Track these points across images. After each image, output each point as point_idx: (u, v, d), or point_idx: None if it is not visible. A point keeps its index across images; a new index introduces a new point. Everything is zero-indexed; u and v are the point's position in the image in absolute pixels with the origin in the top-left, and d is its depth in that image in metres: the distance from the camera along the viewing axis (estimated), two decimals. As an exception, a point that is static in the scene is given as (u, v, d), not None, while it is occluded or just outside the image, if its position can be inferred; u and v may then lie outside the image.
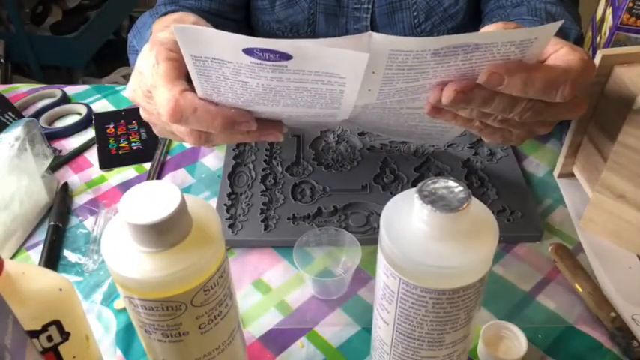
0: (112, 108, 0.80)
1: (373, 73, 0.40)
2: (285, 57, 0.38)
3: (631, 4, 0.57)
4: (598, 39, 0.65)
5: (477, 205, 0.38)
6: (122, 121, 0.76)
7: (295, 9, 0.77)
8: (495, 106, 0.43)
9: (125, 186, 0.67)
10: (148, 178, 0.66)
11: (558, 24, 0.39)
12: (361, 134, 0.70)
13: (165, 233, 0.34)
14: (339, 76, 0.40)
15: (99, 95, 0.82)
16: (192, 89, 0.45)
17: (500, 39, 0.39)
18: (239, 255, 0.58)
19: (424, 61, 0.40)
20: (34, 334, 0.36)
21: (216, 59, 0.40)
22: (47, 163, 0.65)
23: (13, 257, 0.58)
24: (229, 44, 0.38)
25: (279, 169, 0.65)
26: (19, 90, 0.84)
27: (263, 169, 0.65)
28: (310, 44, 0.38)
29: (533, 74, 0.41)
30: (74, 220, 0.63)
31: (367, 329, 0.50)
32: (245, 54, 0.38)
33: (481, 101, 0.42)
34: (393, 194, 0.60)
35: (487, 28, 0.48)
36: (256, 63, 0.39)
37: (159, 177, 0.68)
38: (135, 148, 0.72)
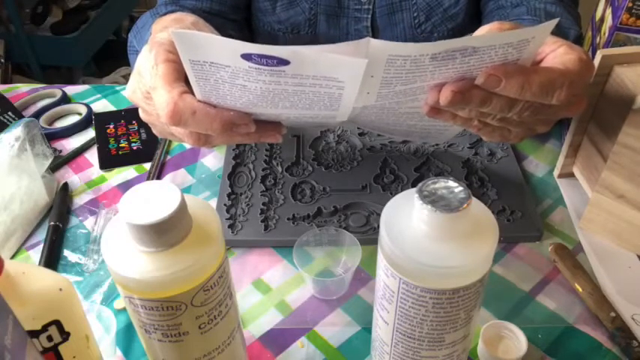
0: (112, 108, 0.80)
1: (371, 77, 0.40)
2: (284, 62, 0.38)
3: (630, 4, 0.57)
4: (598, 39, 0.65)
5: (477, 205, 0.38)
6: (122, 121, 0.76)
7: (296, 10, 0.77)
8: (493, 106, 0.43)
9: (125, 186, 0.67)
10: (147, 178, 0.66)
11: (554, 22, 0.39)
12: (361, 134, 0.70)
13: (165, 233, 0.34)
14: (338, 81, 0.40)
15: (99, 95, 0.82)
16: (192, 91, 0.45)
17: (498, 41, 0.39)
18: (239, 255, 0.58)
19: (422, 65, 0.40)
20: (34, 334, 0.36)
21: (215, 63, 0.40)
22: (47, 163, 0.65)
23: (13, 257, 0.58)
24: (227, 49, 0.38)
25: (279, 169, 0.65)
26: (19, 90, 0.84)
27: (263, 169, 0.65)
28: (308, 50, 0.37)
29: (530, 77, 0.41)
30: (74, 220, 0.63)
31: (367, 329, 0.50)
32: (243, 59, 0.38)
33: (479, 102, 0.42)
34: (393, 194, 0.60)
35: (482, 29, 0.48)
36: (254, 68, 0.39)
37: (159, 177, 0.68)
38: (135, 148, 0.72)
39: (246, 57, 0.38)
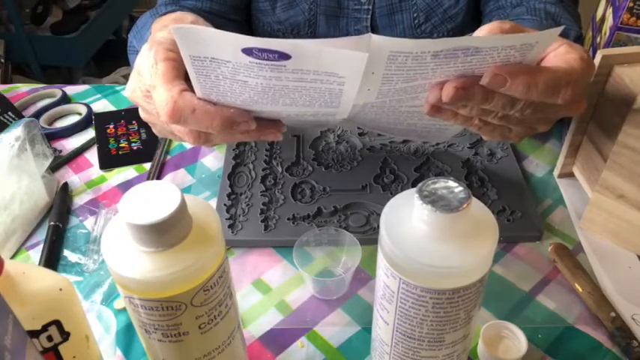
0: (112, 108, 0.80)
1: (372, 73, 0.40)
2: (284, 57, 0.38)
3: (631, 4, 0.57)
4: (598, 39, 0.65)
5: (476, 205, 0.38)
6: (122, 121, 0.76)
7: (296, 10, 0.77)
8: (496, 103, 0.43)
9: (125, 186, 0.67)
10: (148, 178, 0.66)
11: (559, 29, 0.39)
12: (361, 134, 0.70)
13: (165, 233, 0.34)
14: (338, 76, 0.40)
15: (99, 95, 0.82)
16: (191, 89, 0.45)
17: (500, 43, 0.39)
18: (239, 255, 0.58)
19: (424, 63, 0.40)
20: (34, 334, 0.36)
21: (215, 59, 0.40)
22: (47, 163, 0.65)
23: (13, 257, 0.58)
24: (228, 44, 0.38)
25: (279, 169, 0.65)
26: (19, 90, 0.84)
27: (263, 169, 0.65)
28: (309, 44, 0.38)
29: (536, 77, 0.41)
30: (74, 220, 0.63)
31: (367, 329, 0.50)
32: (244, 54, 0.38)
33: (481, 98, 0.42)
34: (393, 194, 0.60)
35: (482, 29, 0.48)
36: (255, 62, 0.39)
37: (159, 177, 0.67)
38: (135, 148, 0.72)
39: (247, 51, 0.38)
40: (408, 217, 0.37)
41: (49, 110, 0.78)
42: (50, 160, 0.65)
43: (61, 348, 0.37)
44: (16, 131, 0.62)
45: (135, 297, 0.36)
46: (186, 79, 0.45)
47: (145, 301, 0.36)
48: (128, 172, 0.69)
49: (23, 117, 0.75)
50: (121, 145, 0.72)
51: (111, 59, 2.11)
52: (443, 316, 0.38)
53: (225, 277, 0.39)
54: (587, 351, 0.49)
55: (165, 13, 0.63)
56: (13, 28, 1.89)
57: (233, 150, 0.68)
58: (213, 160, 0.69)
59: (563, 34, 0.63)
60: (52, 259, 0.57)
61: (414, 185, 0.56)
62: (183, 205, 0.35)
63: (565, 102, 0.43)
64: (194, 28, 0.39)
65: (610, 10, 0.62)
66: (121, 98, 0.81)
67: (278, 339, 0.50)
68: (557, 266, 0.55)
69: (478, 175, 0.64)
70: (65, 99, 0.81)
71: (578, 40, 0.65)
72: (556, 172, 0.65)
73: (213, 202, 0.62)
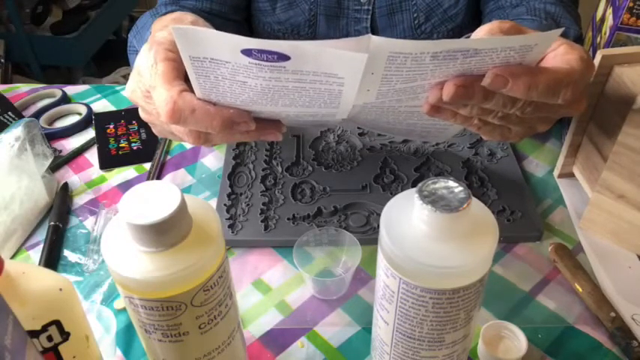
0: (112, 108, 0.80)
1: (372, 74, 0.40)
2: (284, 58, 0.38)
3: (631, 4, 0.57)
4: (598, 39, 0.65)
5: (476, 205, 0.38)
6: (122, 121, 0.76)
7: (296, 10, 0.77)
8: (496, 102, 0.43)
9: (125, 186, 0.67)
10: (147, 178, 0.66)
11: (559, 31, 0.39)
12: (361, 134, 0.70)
13: (165, 233, 0.34)
14: (338, 77, 0.40)
15: (99, 95, 0.82)
16: (191, 89, 0.45)
17: (499, 44, 0.39)
18: (239, 255, 0.58)
19: (423, 64, 0.40)
20: (34, 334, 0.36)
21: (215, 60, 0.40)
22: (47, 163, 0.65)
23: (13, 257, 0.58)
24: (228, 45, 0.38)
25: (279, 169, 0.65)
26: (19, 90, 0.84)
27: (263, 169, 0.65)
28: (309, 45, 0.38)
29: (537, 78, 0.41)
30: (74, 220, 0.63)
31: (367, 329, 0.50)
32: (243, 54, 0.38)
33: (482, 96, 0.42)
34: (393, 194, 0.60)
35: (482, 28, 0.48)
36: (254, 63, 0.39)
37: (159, 177, 0.67)
38: (135, 148, 0.72)
39: (247, 52, 0.38)
40: (408, 217, 0.37)
41: (49, 110, 0.78)
42: (50, 160, 0.65)
43: (61, 348, 0.37)
44: (16, 131, 0.62)
45: (135, 297, 0.36)
46: (186, 79, 0.45)
47: (145, 301, 0.36)
48: (128, 172, 0.69)
49: (23, 117, 0.75)
50: (121, 145, 0.72)
51: (111, 59, 2.12)
52: (443, 316, 0.38)
53: (225, 277, 0.39)
54: (587, 351, 0.49)
55: (165, 13, 0.63)
56: (13, 28, 1.90)
57: (233, 150, 0.68)
58: (213, 160, 0.69)
59: (563, 34, 0.63)
60: (52, 259, 0.57)
61: (414, 185, 0.56)
62: (183, 205, 0.35)
63: (565, 102, 0.43)
64: (193, 28, 0.39)
65: (610, 10, 0.62)
66: (121, 98, 0.81)
67: (278, 339, 0.50)
68: (557, 266, 0.55)
69: (478, 175, 0.64)
70: (65, 99, 0.81)
71: (578, 39, 0.65)
72: (556, 172, 0.65)
73: (213, 202, 0.62)
